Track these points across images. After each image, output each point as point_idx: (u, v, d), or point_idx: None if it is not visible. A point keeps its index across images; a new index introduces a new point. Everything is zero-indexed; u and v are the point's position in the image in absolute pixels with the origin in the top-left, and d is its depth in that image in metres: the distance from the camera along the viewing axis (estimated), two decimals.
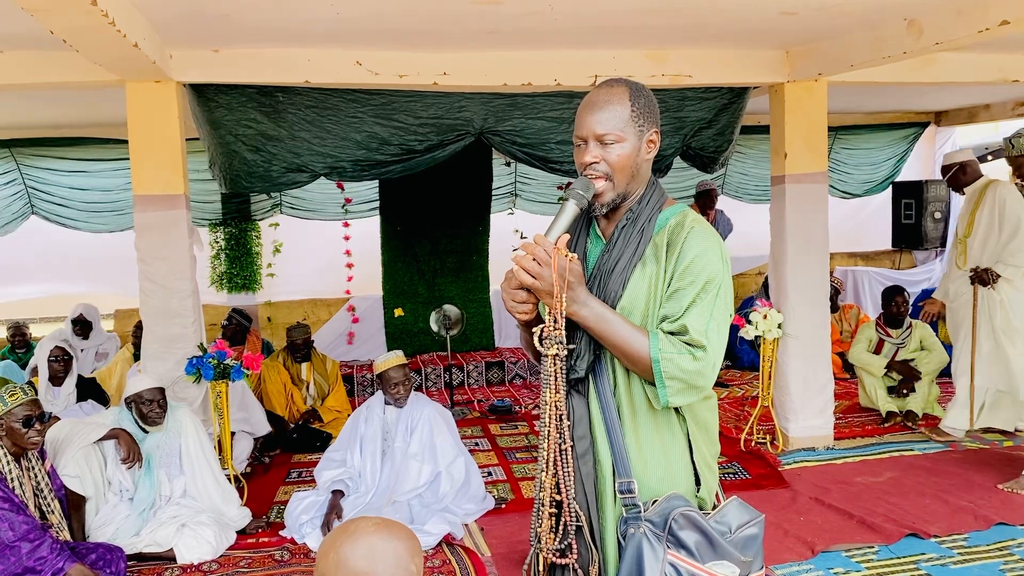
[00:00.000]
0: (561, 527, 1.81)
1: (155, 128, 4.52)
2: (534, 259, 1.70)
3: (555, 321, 1.74)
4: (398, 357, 4.45)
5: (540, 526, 1.82)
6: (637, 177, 1.85)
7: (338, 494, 4.25)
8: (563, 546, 1.81)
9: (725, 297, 1.77)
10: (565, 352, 1.76)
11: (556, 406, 1.77)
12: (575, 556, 1.80)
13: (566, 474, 1.78)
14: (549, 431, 1.78)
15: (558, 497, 1.80)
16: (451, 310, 6.71)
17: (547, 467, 1.79)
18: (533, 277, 1.71)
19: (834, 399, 5.53)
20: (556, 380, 1.77)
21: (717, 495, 1.91)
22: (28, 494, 3.51)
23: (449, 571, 3.75)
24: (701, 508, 1.83)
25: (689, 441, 1.85)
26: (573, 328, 1.78)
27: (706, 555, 1.72)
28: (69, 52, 3.73)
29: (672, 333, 1.74)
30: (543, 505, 1.81)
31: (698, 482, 1.86)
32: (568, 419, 1.79)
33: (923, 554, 3.79)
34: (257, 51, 4.55)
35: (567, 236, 1.74)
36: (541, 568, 1.86)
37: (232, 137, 4.83)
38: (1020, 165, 4.85)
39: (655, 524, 1.73)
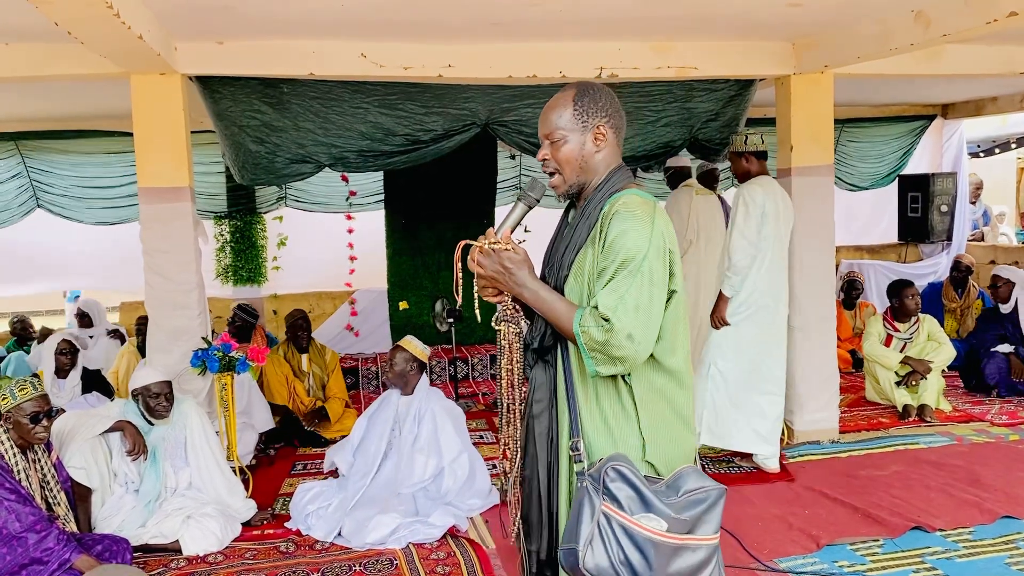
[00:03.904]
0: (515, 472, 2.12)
1: (160, 120, 4.52)
2: (481, 252, 1.98)
3: (512, 303, 2.03)
4: (416, 349, 4.48)
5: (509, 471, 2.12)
6: (588, 169, 2.05)
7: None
8: (506, 488, 2.14)
9: (645, 275, 1.89)
10: (517, 328, 2.05)
11: (508, 372, 2.06)
12: (517, 503, 2.13)
13: (514, 429, 2.08)
14: (503, 392, 2.08)
15: (514, 447, 2.10)
16: (440, 305, 6.73)
17: (506, 424, 2.09)
18: (481, 268, 1.99)
19: (839, 393, 5.51)
20: (508, 351, 2.05)
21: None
22: (34, 486, 3.53)
23: (454, 563, 3.75)
24: (658, 474, 1.99)
25: (636, 409, 1.99)
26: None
27: (636, 508, 1.85)
28: (74, 44, 3.72)
29: (595, 308, 1.91)
30: (514, 452, 2.11)
31: (644, 447, 1.99)
32: (522, 384, 2.08)
33: (928, 547, 3.78)
34: (262, 43, 4.55)
35: (508, 231, 2.00)
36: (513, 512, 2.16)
37: (237, 128, 4.83)
38: (740, 164, 4.77)
39: (595, 479, 1.89)
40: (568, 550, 1.85)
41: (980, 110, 8.78)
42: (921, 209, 8.95)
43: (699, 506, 1.89)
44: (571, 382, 2.01)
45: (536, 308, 1.99)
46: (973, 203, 9.92)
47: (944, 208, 8.90)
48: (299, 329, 6.01)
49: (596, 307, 1.89)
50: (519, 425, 2.08)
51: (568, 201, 2.18)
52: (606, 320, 1.87)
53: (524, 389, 2.07)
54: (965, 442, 5.25)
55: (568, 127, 2.01)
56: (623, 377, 1.97)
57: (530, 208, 2.04)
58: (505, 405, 2.07)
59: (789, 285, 5.30)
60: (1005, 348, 6.41)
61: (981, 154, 10.14)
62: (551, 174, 2.07)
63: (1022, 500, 4.22)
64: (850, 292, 7.61)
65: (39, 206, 7.47)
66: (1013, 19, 3.60)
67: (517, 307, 2.03)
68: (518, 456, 2.10)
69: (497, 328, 2.05)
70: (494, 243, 1.98)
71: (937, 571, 3.55)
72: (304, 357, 6.07)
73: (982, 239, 9.76)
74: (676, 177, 6.66)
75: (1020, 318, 6.43)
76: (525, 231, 8.46)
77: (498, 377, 2.08)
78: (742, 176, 4.81)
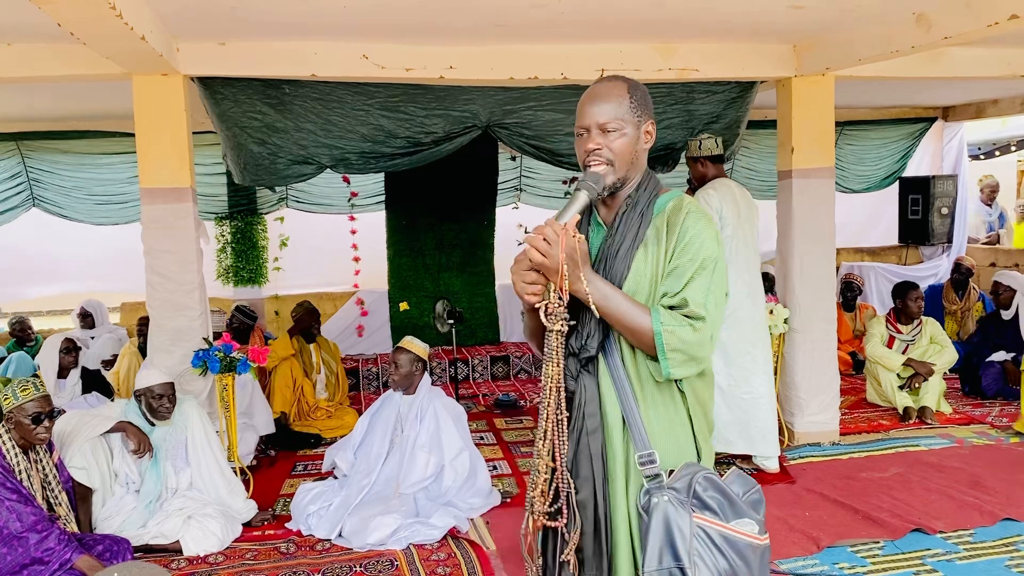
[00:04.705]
0: (552, 492, 1.89)
1: (162, 121, 4.53)
2: (544, 239, 1.77)
3: (559, 298, 1.81)
4: (417, 348, 4.49)
5: (534, 491, 1.89)
6: (635, 165, 1.96)
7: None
8: (553, 510, 1.90)
9: (721, 275, 1.87)
10: (566, 328, 1.83)
11: (556, 379, 1.84)
12: (564, 520, 1.88)
13: (561, 443, 1.85)
14: (549, 402, 1.84)
15: (553, 464, 1.87)
16: (440, 306, 6.75)
17: (544, 436, 1.86)
18: (543, 256, 1.77)
19: (840, 395, 5.51)
20: (557, 354, 1.83)
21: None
22: (36, 486, 3.53)
23: (454, 564, 3.76)
24: None
25: (689, 415, 1.93)
26: (581, 308, 1.86)
27: (729, 514, 1.80)
28: (76, 45, 3.73)
29: (672, 307, 1.83)
30: (538, 472, 1.88)
31: (699, 455, 1.94)
32: (566, 392, 1.87)
33: (928, 549, 3.78)
34: (264, 44, 4.55)
35: (577, 218, 1.83)
36: (531, 530, 1.93)
37: (238, 129, 4.83)
38: (697, 169, 4.87)
39: (678, 491, 1.79)
40: (663, 571, 1.75)
41: (981, 113, 8.79)
42: (921, 211, 8.95)
43: (761, 507, 1.87)
44: (625, 390, 1.87)
45: (601, 307, 1.81)
46: (988, 204, 9.89)
47: (944, 210, 8.90)
48: (311, 317, 6.07)
49: (671, 307, 1.82)
50: (567, 441, 1.86)
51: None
52: (696, 318, 1.80)
53: (566, 397, 1.88)
54: (965, 444, 5.25)
55: (626, 119, 1.90)
56: (677, 383, 1.90)
57: (591, 200, 1.88)
58: (553, 420, 1.84)
59: (789, 287, 5.33)
60: (1000, 356, 6.39)
61: (981, 156, 10.14)
62: (599, 164, 1.90)
63: (1022, 502, 4.23)
64: (846, 294, 7.61)
65: (35, 205, 7.47)
66: (1014, 22, 3.61)
67: (562, 305, 1.82)
68: (567, 478, 1.88)
69: (552, 329, 1.82)
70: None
71: (937, 573, 3.55)
72: (312, 348, 6.12)
73: (998, 241, 9.72)
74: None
75: (1021, 324, 6.41)
76: (526, 232, 8.50)
77: (546, 388, 1.84)
78: (699, 180, 4.86)
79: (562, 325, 1.81)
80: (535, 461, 1.89)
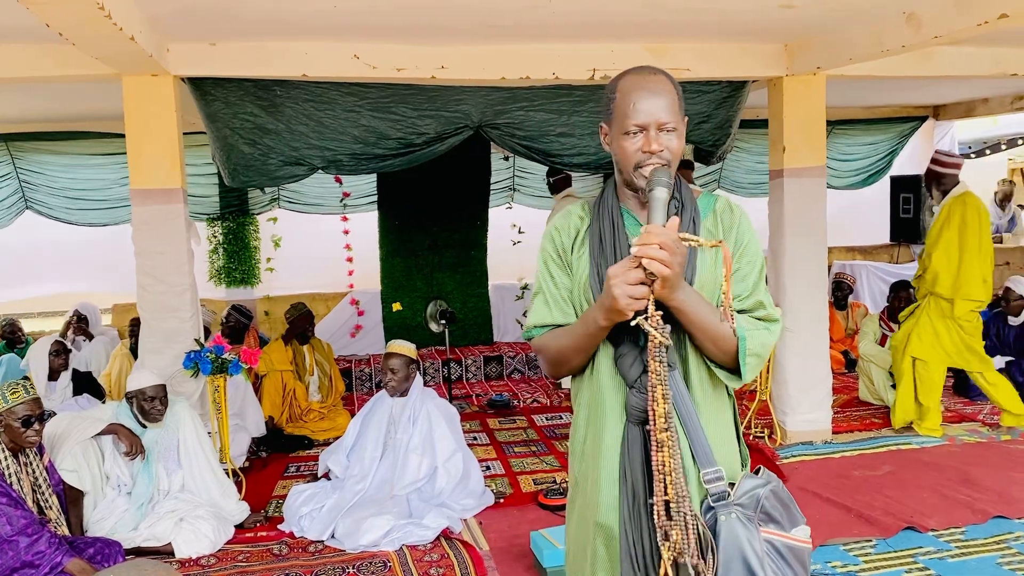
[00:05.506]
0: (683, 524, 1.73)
1: (152, 122, 4.51)
2: (659, 247, 1.59)
3: (657, 310, 1.67)
4: (408, 349, 4.48)
5: (667, 528, 1.72)
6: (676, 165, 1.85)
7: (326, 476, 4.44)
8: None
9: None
10: (670, 341, 1.69)
11: (666, 398, 1.69)
12: (694, 556, 1.71)
13: (677, 468, 1.71)
14: (668, 424, 1.70)
15: (666, 497, 1.71)
16: (433, 307, 6.75)
17: (662, 467, 1.71)
18: (667, 267, 1.60)
19: (832, 393, 5.53)
20: (664, 373, 1.69)
21: None
22: (26, 489, 3.51)
23: (448, 564, 3.75)
24: None
25: (735, 418, 1.92)
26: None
27: (787, 523, 1.78)
28: (65, 45, 3.71)
29: (741, 311, 1.80)
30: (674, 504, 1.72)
31: (742, 458, 1.91)
32: (639, 412, 1.74)
33: (920, 547, 3.79)
34: (254, 44, 4.54)
35: (676, 219, 1.70)
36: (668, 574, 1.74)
37: (229, 131, 4.81)
38: None
39: (744, 507, 1.74)
40: None
41: (971, 111, 8.83)
42: (913, 210, 8.99)
43: (792, 502, 1.86)
44: (686, 404, 1.76)
45: (691, 315, 1.70)
46: (1001, 208, 9.87)
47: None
48: (307, 320, 6.07)
49: (742, 310, 1.79)
50: (681, 467, 1.71)
51: (594, 201, 1.92)
52: (772, 321, 1.80)
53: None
54: (957, 442, 5.27)
55: (679, 117, 1.77)
56: (727, 389, 1.87)
57: (672, 197, 1.74)
58: (671, 447, 1.69)
59: (781, 286, 5.34)
60: (999, 362, 6.32)
61: (972, 155, 10.18)
62: (653, 166, 1.75)
63: (1014, 500, 4.24)
64: (836, 293, 7.64)
65: (28, 207, 7.44)
66: (1004, 21, 3.62)
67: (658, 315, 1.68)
68: (692, 508, 1.72)
69: (664, 345, 1.68)
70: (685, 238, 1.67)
71: (929, 571, 3.56)
72: (305, 349, 6.11)
73: (1000, 243, 9.72)
74: (563, 184, 6.74)
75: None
76: (520, 232, 8.51)
77: (658, 411, 1.69)
78: None
79: (666, 337, 1.67)
80: (669, 494, 1.71)
